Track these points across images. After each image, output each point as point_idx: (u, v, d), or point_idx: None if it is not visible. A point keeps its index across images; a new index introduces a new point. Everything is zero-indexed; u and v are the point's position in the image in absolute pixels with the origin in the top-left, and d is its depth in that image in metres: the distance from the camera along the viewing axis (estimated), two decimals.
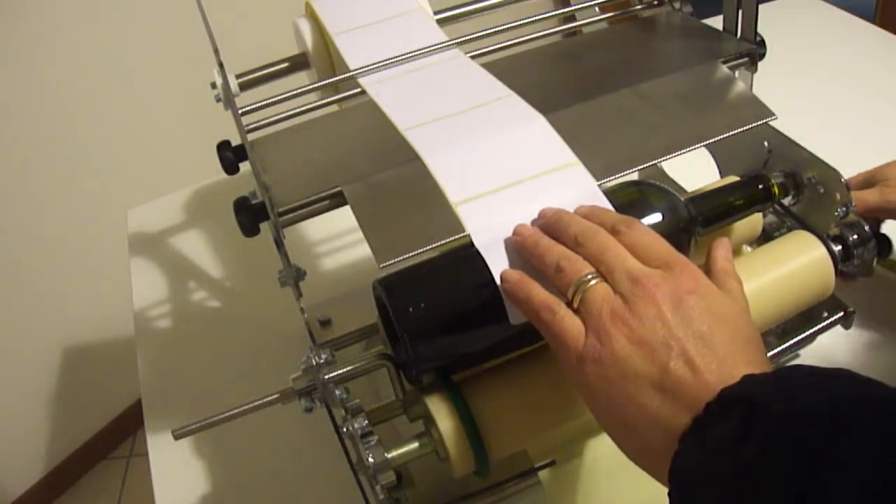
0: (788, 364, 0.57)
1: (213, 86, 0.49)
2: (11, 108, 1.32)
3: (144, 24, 1.43)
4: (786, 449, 0.28)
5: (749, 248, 0.60)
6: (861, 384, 0.30)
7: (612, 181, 0.45)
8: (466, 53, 0.54)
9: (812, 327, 0.57)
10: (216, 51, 0.41)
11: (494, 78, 0.50)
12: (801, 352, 0.58)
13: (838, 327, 0.58)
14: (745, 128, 0.49)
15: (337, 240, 0.80)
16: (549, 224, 0.40)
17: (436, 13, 0.57)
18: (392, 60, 0.52)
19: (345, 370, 0.46)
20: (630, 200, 0.49)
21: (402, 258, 0.42)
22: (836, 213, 0.53)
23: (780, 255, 0.52)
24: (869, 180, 0.59)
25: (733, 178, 0.57)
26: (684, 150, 0.47)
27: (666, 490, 0.32)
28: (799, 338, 0.56)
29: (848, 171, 0.53)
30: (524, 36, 0.58)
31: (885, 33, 1.00)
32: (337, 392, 0.45)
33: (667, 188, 0.51)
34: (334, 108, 0.55)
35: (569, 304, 0.37)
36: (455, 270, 0.44)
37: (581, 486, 0.53)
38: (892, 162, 0.60)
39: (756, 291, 0.50)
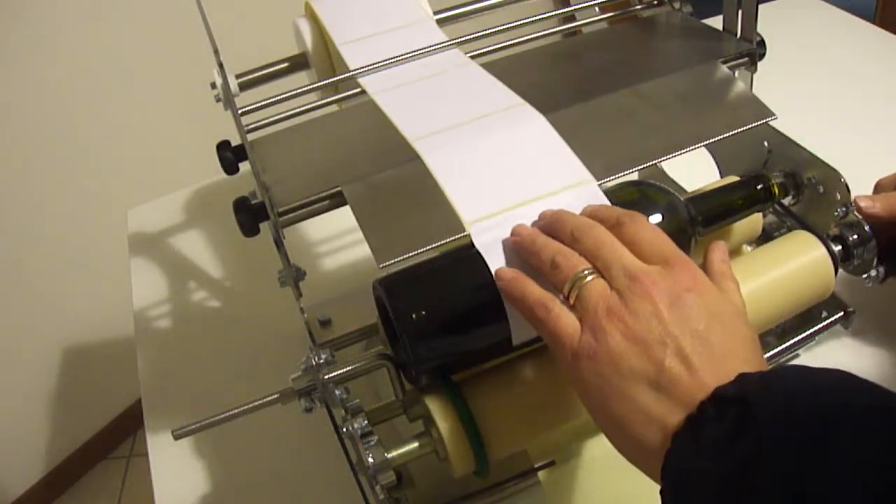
0: (787, 364, 0.57)
1: (213, 86, 0.49)
2: (11, 108, 1.32)
3: (144, 24, 1.43)
4: (782, 449, 0.28)
5: (749, 248, 0.60)
6: (855, 385, 0.30)
7: (612, 181, 0.45)
8: (466, 53, 0.54)
9: (812, 327, 0.57)
10: (216, 51, 0.41)
11: (505, 86, 0.49)
12: (801, 352, 0.58)
13: (838, 327, 0.58)
14: (745, 128, 0.49)
15: (337, 240, 0.80)
16: (548, 224, 0.40)
17: (436, 13, 0.57)
18: (392, 61, 0.52)
19: (345, 370, 0.46)
20: (630, 200, 0.49)
21: (402, 258, 0.42)
22: (836, 213, 0.53)
23: (780, 255, 0.52)
24: None
25: (733, 178, 0.57)
26: (684, 150, 0.47)
27: None
28: (799, 338, 0.56)
29: (848, 171, 0.53)
30: (524, 36, 0.58)
31: (885, 33, 1.00)
32: (337, 392, 0.45)
33: (667, 188, 0.51)
34: (334, 108, 0.55)
35: (566, 301, 0.37)
36: (455, 271, 0.44)
37: (581, 486, 0.53)
38: None
39: (756, 291, 0.50)
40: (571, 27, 0.62)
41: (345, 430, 0.43)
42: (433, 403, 0.44)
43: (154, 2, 1.39)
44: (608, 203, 0.42)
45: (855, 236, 0.52)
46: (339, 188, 0.47)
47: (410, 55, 0.52)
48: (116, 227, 0.91)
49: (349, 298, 0.66)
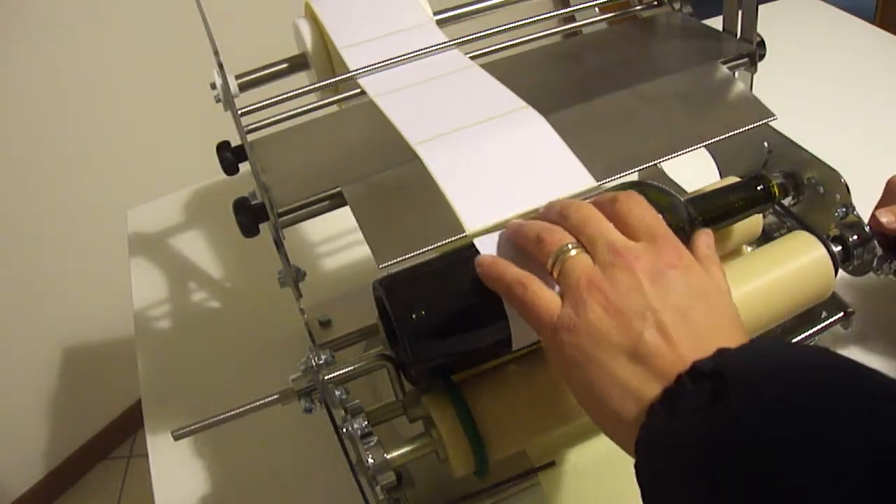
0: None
1: (213, 86, 0.49)
2: (11, 108, 1.32)
3: (144, 24, 1.43)
4: (756, 426, 0.27)
5: (749, 249, 0.59)
6: (833, 363, 0.30)
7: (612, 181, 0.45)
8: (467, 54, 0.54)
9: (812, 328, 0.57)
10: (216, 51, 0.41)
11: (507, 89, 0.49)
12: None
13: (838, 327, 0.58)
14: (745, 128, 0.49)
15: (337, 240, 0.80)
16: (541, 213, 0.40)
17: (436, 13, 0.57)
18: (392, 61, 0.52)
19: (344, 371, 0.46)
20: None
21: (401, 258, 0.42)
22: (836, 214, 0.53)
23: (780, 255, 0.52)
24: None
25: (733, 179, 0.57)
26: (684, 151, 0.47)
27: None
28: (799, 338, 0.56)
29: (848, 172, 0.53)
30: (524, 36, 0.58)
31: (885, 33, 1.00)
32: (337, 393, 0.45)
33: (667, 189, 0.51)
34: (334, 108, 0.55)
35: (549, 276, 0.37)
36: (455, 271, 0.44)
37: (580, 486, 0.53)
38: None
39: (756, 292, 0.50)
40: (571, 27, 0.62)
41: (345, 430, 0.43)
42: (433, 404, 0.44)
43: (154, 2, 1.39)
44: None
45: (855, 237, 0.52)
46: (338, 189, 0.47)
47: (410, 56, 0.52)
48: (116, 227, 0.92)
49: (349, 299, 0.66)
